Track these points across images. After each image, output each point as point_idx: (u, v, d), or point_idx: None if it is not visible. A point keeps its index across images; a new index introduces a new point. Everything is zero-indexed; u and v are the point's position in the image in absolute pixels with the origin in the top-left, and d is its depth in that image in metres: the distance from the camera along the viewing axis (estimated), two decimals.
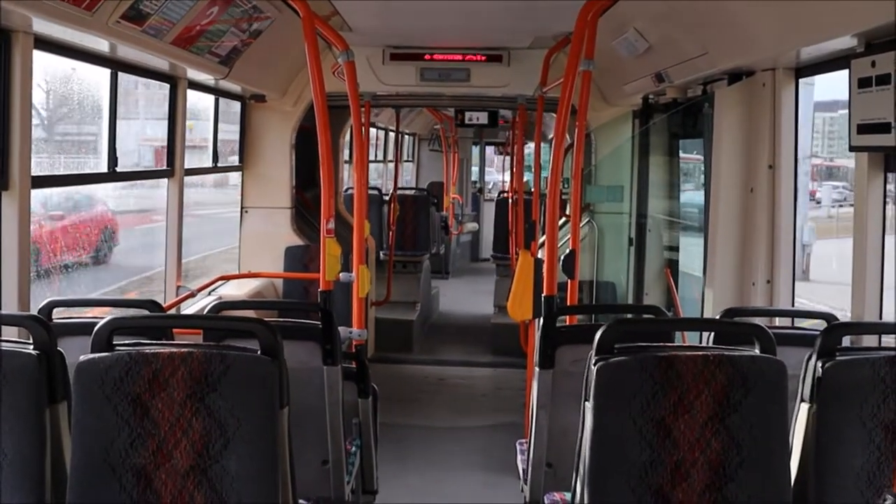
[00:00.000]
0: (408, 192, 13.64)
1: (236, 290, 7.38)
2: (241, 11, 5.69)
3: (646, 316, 4.55)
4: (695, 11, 4.92)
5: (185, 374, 2.83)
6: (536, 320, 4.84)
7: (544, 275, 4.76)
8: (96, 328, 2.90)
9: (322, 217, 4.49)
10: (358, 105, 5.23)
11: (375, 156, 15.85)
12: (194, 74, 6.20)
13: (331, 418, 4.15)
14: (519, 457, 4.76)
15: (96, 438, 2.81)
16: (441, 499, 6.30)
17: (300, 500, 3.28)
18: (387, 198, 12.52)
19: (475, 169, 20.89)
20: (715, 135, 5.29)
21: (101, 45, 4.68)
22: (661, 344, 3.10)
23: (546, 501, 4.00)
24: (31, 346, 2.93)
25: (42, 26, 3.98)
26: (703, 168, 6.29)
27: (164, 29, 4.87)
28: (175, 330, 4.02)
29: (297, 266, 7.88)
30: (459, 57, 7.95)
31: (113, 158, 5.37)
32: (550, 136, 8.36)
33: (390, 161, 16.70)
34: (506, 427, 7.65)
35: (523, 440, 4.83)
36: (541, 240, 7.48)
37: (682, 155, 7.49)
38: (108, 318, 2.95)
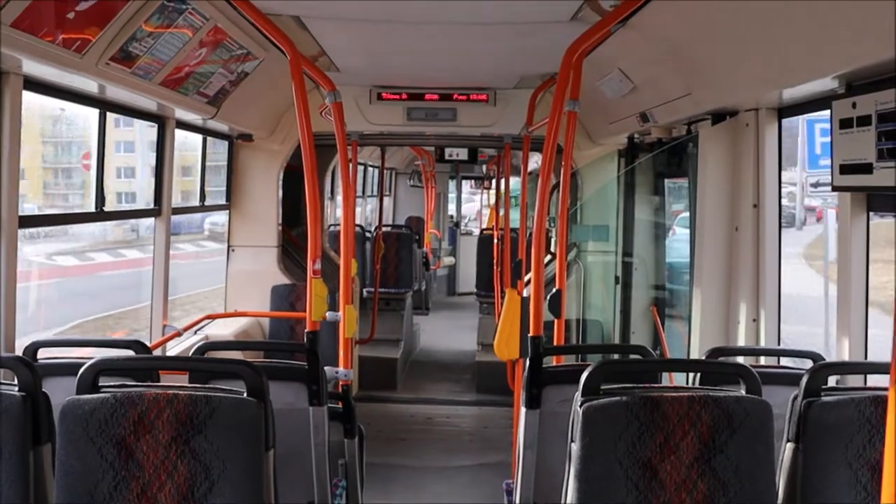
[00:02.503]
0: (391, 229, 13.63)
1: (223, 328, 7.36)
2: (229, 53, 5.73)
3: (632, 356, 4.56)
4: (678, 53, 4.98)
5: (170, 416, 2.82)
6: (523, 359, 4.83)
7: (531, 314, 4.75)
8: (82, 370, 2.88)
9: (309, 257, 4.48)
10: (345, 144, 5.26)
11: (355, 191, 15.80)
12: (182, 114, 6.22)
13: (317, 459, 4.13)
14: (506, 497, 4.74)
15: (80, 481, 2.79)
16: None
17: None
18: (369, 235, 12.51)
19: (451, 203, 20.86)
20: (700, 174, 5.33)
21: (90, 86, 4.70)
22: (647, 385, 3.11)
23: None
24: (16, 388, 2.91)
25: (32, 67, 4.00)
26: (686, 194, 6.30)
27: (153, 69, 4.90)
28: (161, 371, 4.00)
29: (284, 305, 7.87)
30: (446, 96, 8.00)
31: (100, 198, 5.37)
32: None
33: (370, 196, 16.72)
34: (492, 467, 7.62)
35: (510, 480, 4.80)
36: (526, 278, 7.49)
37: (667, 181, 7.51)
38: (95, 359, 2.94)
